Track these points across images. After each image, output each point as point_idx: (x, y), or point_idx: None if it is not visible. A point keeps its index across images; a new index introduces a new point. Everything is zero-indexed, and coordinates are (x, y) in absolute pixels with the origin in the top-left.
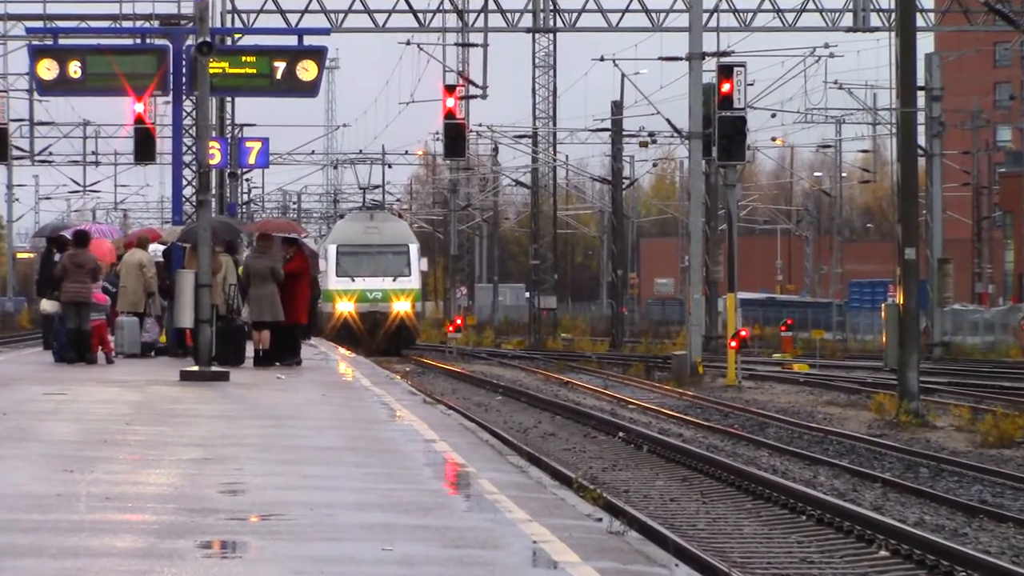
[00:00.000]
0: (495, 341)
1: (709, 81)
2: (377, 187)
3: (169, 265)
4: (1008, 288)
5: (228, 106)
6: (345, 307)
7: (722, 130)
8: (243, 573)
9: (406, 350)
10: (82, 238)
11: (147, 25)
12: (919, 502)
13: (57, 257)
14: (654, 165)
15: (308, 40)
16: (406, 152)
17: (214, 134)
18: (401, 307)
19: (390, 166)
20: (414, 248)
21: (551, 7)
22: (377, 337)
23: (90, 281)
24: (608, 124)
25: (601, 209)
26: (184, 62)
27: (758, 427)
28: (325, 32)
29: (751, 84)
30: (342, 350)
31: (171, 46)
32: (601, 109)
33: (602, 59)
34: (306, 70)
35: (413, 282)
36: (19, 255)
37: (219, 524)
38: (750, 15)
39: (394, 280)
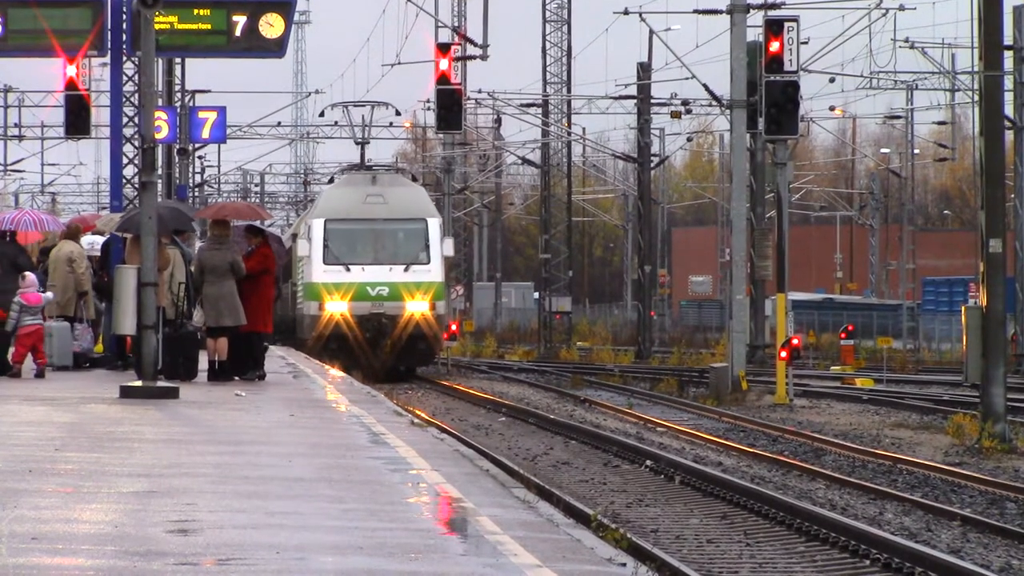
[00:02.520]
0: (497, 351)
1: (754, 39)
2: (366, 162)
3: (107, 260)
4: None
5: (177, 69)
6: (336, 308)
7: (770, 97)
8: None
9: (422, 369)
10: None
11: None
12: (1005, 543)
13: None
14: (688, 140)
15: None
16: (390, 124)
17: (161, 102)
18: (416, 308)
19: (398, 113)
20: (434, 224)
21: None
22: (382, 350)
23: None
24: (633, 90)
25: (625, 192)
26: (125, 16)
27: (813, 454)
28: None
29: (805, 42)
30: (331, 370)
31: None
32: (625, 73)
33: (626, 12)
34: (271, 25)
35: (433, 272)
36: None
37: (168, 569)
38: None
39: (406, 269)
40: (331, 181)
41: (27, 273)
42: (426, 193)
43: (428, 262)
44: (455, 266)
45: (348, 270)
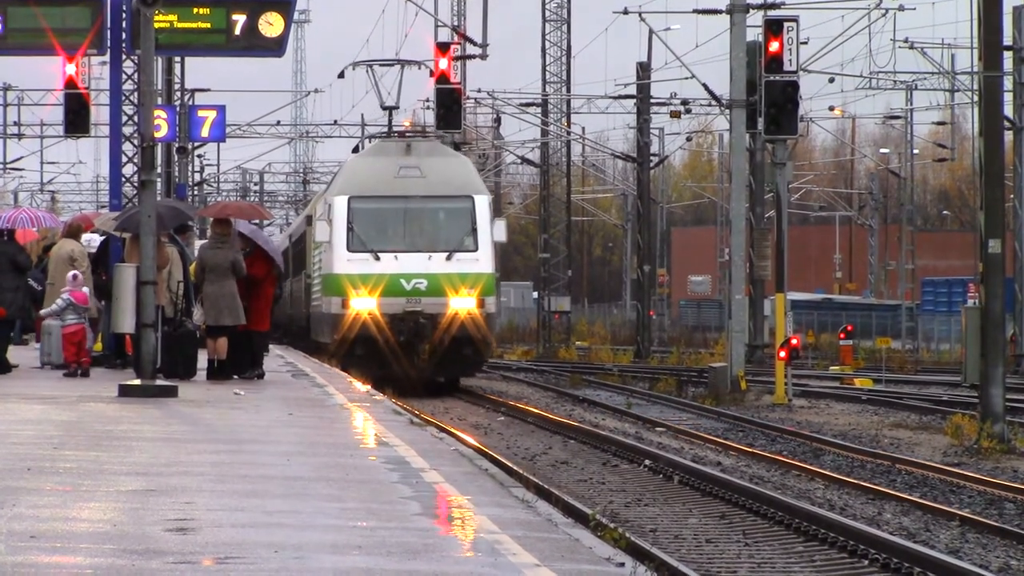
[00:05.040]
0: (496, 350)
1: (754, 39)
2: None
3: (103, 259)
4: None
5: (177, 68)
6: (363, 305)
7: (769, 97)
8: None
9: (467, 379)
10: None
11: None
12: (1004, 544)
13: None
14: (688, 139)
15: None
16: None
17: (160, 101)
18: (462, 305)
19: (429, 71)
20: (483, 202)
21: None
22: (419, 356)
23: None
24: (632, 90)
25: (624, 192)
26: (124, 14)
27: (811, 454)
28: None
29: (805, 42)
30: (331, 369)
31: None
32: (624, 72)
33: (625, 12)
34: (270, 24)
35: (482, 261)
36: None
37: (166, 568)
38: None
39: (449, 258)
40: (356, 150)
41: (77, 272)
42: (472, 165)
43: (475, 249)
44: None
45: (378, 259)
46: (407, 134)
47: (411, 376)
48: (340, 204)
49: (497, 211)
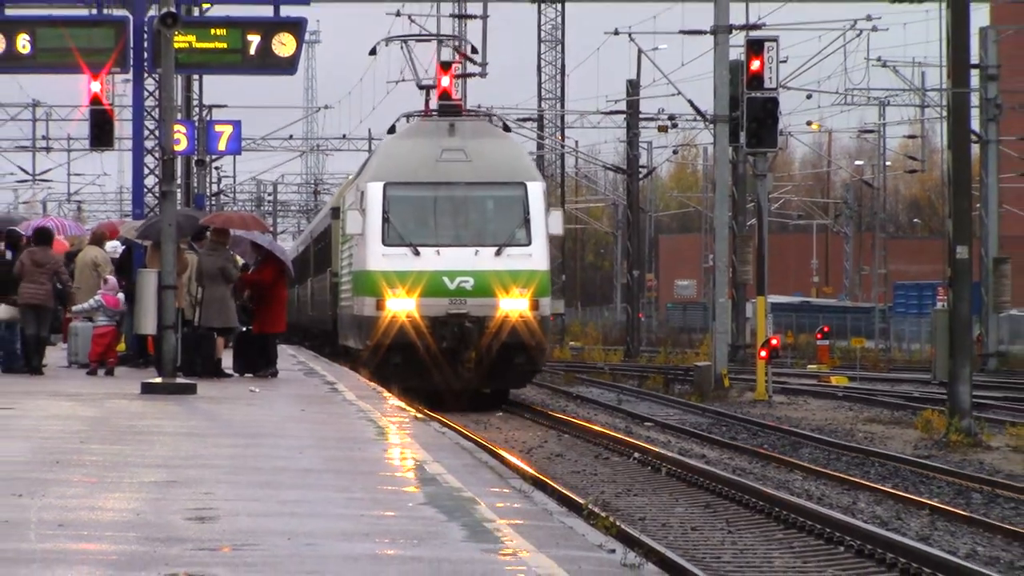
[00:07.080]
0: None
1: (736, 58)
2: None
3: (129, 265)
4: None
5: (195, 85)
6: (400, 306)
7: (751, 113)
8: None
9: (517, 390)
10: (44, 235)
11: None
12: (971, 531)
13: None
14: (674, 152)
15: (285, 10)
16: (391, 130)
17: (179, 117)
18: (513, 307)
19: (475, 50)
20: (536, 189)
21: None
22: (464, 365)
23: (49, 283)
24: (623, 106)
25: (615, 202)
26: (146, 35)
27: (790, 447)
28: (304, 1)
29: (784, 61)
30: (341, 367)
31: (131, 17)
32: (615, 89)
33: (616, 33)
34: (283, 44)
35: (536, 257)
36: None
37: (186, 555)
38: None
39: (499, 253)
40: (392, 130)
41: (109, 277)
42: (523, 148)
43: (528, 243)
44: None
45: (417, 254)
46: (450, 112)
47: (454, 388)
48: (374, 191)
49: None
